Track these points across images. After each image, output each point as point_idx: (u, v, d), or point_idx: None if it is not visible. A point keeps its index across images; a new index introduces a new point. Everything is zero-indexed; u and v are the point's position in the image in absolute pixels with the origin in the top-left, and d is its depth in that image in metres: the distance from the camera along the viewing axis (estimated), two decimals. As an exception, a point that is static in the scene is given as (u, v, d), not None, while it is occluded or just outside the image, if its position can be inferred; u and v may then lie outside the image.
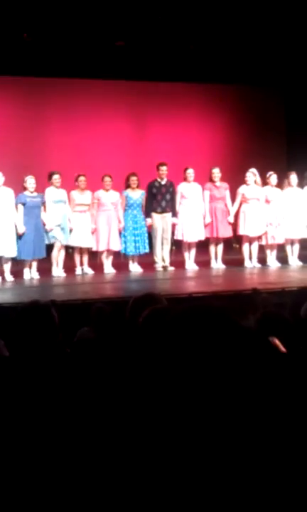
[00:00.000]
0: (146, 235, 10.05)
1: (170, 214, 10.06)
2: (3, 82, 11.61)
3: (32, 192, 9.40)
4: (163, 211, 10.01)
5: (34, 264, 9.48)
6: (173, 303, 5.16)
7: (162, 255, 10.08)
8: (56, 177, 9.61)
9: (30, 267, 9.43)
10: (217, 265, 10.25)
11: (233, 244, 11.04)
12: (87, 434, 2.09)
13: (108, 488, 1.93)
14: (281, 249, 10.53)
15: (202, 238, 10.18)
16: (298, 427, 2.02)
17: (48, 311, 2.85)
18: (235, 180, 10.30)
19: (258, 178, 10.22)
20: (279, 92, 13.99)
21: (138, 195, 10.02)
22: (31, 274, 9.43)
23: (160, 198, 10.00)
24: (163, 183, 10.04)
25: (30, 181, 9.37)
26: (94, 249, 9.92)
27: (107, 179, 9.88)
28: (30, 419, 2.18)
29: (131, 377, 2.34)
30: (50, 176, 9.62)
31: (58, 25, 11.03)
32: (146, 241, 10.02)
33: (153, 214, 10.01)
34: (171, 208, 10.05)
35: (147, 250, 10.02)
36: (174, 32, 11.88)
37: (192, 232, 10.08)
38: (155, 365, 2.43)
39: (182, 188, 10.10)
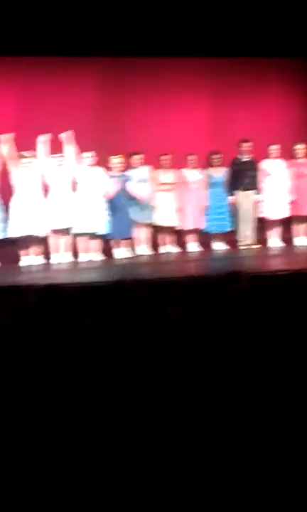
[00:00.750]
0: (229, 213, 10.04)
1: (253, 191, 10.02)
2: (83, 63, 11.71)
3: (117, 172, 9.55)
4: (246, 189, 9.99)
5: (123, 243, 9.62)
6: (257, 281, 5.19)
7: (246, 233, 10.07)
8: (136, 157, 9.72)
9: (119, 247, 9.59)
10: (301, 242, 10.16)
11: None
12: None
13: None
14: None
15: (287, 215, 10.10)
16: None
17: (135, 290, 2.94)
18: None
19: None
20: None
21: (220, 173, 10.02)
22: (122, 253, 9.58)
23: (242, 176, 9.98)
24: (245, 160, 10.02)
25: (115, 161, 9.53)
26: (180, 227, 9.99)
27: (191, 157, 9.93)
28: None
29: (218, 352, 2.41)
30: (130, 156, 9.74)
31: (137, 5, 11.05)
32: (229, 219, 10.02)
33: (236, 192, 10.00)
34: (254, 185, 10.02)
35: (230, 228, 10.03)
36: (250, 7, 11.69)
37: (277, 209, 10.03)
38: (243, 339, 2.49)
39: (265, 165, 10.04)
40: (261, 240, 10.16)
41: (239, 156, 10.04)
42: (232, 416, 2.04)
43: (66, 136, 9.43)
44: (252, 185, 10.00)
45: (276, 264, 8.50)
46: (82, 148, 9.56)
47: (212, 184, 10.01)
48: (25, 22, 10.35)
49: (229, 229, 10.03)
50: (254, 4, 11.59)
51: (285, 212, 10.06)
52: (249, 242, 10.03)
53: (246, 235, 10.04)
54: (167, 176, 9.91)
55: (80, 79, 11.63)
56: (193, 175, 9.98)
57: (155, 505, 1.87)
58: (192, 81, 12.57)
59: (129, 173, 9.71)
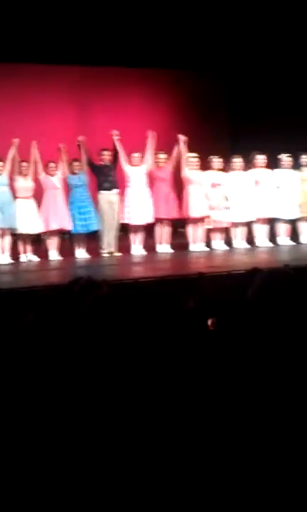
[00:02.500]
0: (94, 213, 9.99)
1: (114, 192, 10.03)
2: None
3: None
4: (106, 189, 9.98)
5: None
6: (119, 289, 5.12)
7: (108, 240, 10.04)
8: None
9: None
10: (164, 249, 10.26)
11: (178, 228, 11.08)
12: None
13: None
14: (226, 233, 10.61)
15: (150, 221, 10.17)
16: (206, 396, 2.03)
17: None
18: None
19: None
20: (220, 77, 14.03)
21: (81, 178, 9.97)
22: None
23: (103, 180, 9.98)
24: (105, 164, 10.05)
25: None
26: (43, 230, 9.82)
27: (51, 164, 9.83)
28: None
29: (72, 363, 2.32)
30: None
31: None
32: (95, 219, 9.97)
33: (100, 194, 9.98)
34: (115, 187, 10.04)
35: (96, 228, 9.97)
36: (116, 15, 11.80)
37: (139, 215, 10.07)
38: (99, 348, 2.42)
39: (128, 172, 10.07)
40: (124, 247, 10.17)
41: (99, 162, 10.05)
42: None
43: None
44: (111, 185, 9.98)
45: (138, 272, 8.51)
46: None
47: (73, 186, 9.91)
48: None
49: (95, 228, 9.95)
50: (117, 14, 11.68)
51: (148, 218, 10.11)
52: (111, 249, 10.02)
53: (109, 243, 10.02)
54: (27, 182, 9.73)
55: None
56: (55, 180, 9.86)
57: (155, 505, 1.79)
58: (54, 88, 12.51)
59: None
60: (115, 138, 10.02)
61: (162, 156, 10.22)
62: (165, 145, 10.46)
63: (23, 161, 9.72)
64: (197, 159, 10.28)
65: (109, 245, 10.03)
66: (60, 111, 12.78)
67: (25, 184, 9.70)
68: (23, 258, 9.69)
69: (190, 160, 10.26)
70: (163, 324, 2.38)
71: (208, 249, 10.34)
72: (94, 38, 12.20)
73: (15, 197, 9.64)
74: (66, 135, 10.62)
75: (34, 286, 6.73)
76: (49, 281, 7.62)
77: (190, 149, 10.35)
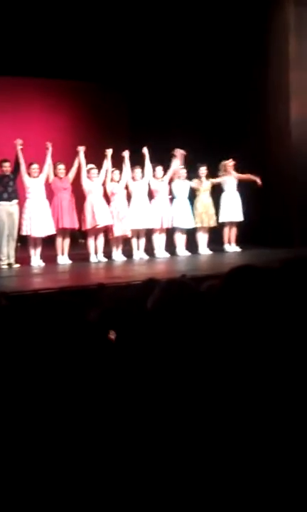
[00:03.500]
0: None
1: (13, 202, 9.93)
2: None
3: None
4: (5, 200, 9.87)
5: None
6: (18, 300, 5.09)
7: (8, 251, 9.93)
8: None
9: None
10: (64, 260, 10.25)
11: (79, 239, 11.09)
12: None
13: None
14: (126, 243, 10.71)
15: (51, 233, 10.13)
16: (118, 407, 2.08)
17: None
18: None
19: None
20: (123, 90, 14.16)
21: None
22: None
23: (2, 190, 9.88)
24: (5, 174, 9.94)
25: None
26: None
27: None
28: None
29: None
30: None
31: None
32: None
33: (1, 204, 9.88)
34: (14, 197, 9.95)
35: None
36: (19, 24, 11.71)
37: (40, 227, 10.01)
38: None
39: (27, 183, 10.00)
40: (23, 258, 10.09)
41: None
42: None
43: None
44: (10, 196, 9.88)
45: (38, 283, 8.47)
46: None
47: None
48: None
49: None
50: (20, 23, 11.59)
51: (49, 230, 10.07)
52: (10, 261, 9.91)
53: (8, 254, 9.91)
54: None
55: None
56: None
57: (155, 505, 1.76)
58: None
59: None
60: (19, 148, 9.93)
61: (61, 166, 10.22)
62: (66, 156, 10.47)
63: None
64: (96, 170, 10.34)
65: (7, 256, 9.91)
66: None
67: None
68: None
69: (90, 171, 10.31)
70: (64, 336, 2.40)
71: (108, 259, 10.40)
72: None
73: None
74: None
75: None
76: None
77: (91, 160, 10.40)
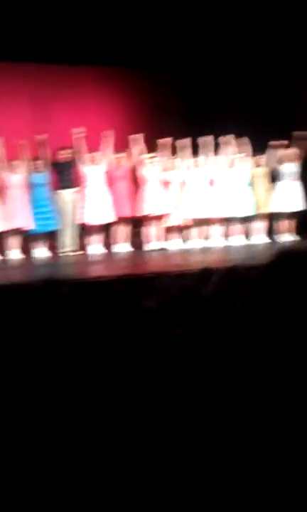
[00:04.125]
0: (53, 213, 10.01)
1: (72, 190, 10.09)
2: None
3: None
4: (65, 187, 10.02)
5: None
6: (77, 288, 5.18)
7: (67, 239, 10.08)
8: None
9: None
10: (122, 248, 10.34)
11: (136, 227, 11.17)
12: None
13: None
14: (183, 232, 10.73)
15: (110, 221, 10.23)
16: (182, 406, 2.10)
17: None
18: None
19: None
20: (178, 78, 14.12)
21: (43, 176, 9.98)
22: None
23: (61, 177, 10.01)
24: (64, 162, 10.08)
25: None
26: (4, 229, 9.82)
27: (14, 163, 9.80)
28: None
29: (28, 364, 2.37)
30: None
31: None
32: (54, 219, 9.99)
33: (59, 193, 10.01)
34: (71, 184, 10.10)
35: (55, 227, 9.99)
36: (73, 12, 11.79)
37: (98, 215, 10.12)
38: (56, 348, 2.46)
39: (86, 171, 10.11)
40: (82, 246, 10.21)
41: (58, 161, 10.08)
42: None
43: None
44: (70, 184, 10.02)
45: (97, 271, 8.57)
46: None
47: (35, 185, 9.91)
48: None
49: (54, 228, 9.97)
50: (74, 11, 11.68)
51: (107, 218, 10.16)
52: (69, 248, 10.05)
53: (67, 242, 10.06)
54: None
55: None
56: (17, 179, 9.84)
57: (155, 505, 1.82)
58: (12, 86, 12.44)
59: None
60: (78, 136, 10.04)
61: (119, 155, 10.29)
62: (123, 144, 10.53)
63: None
64: (153, 158, 10.38)
65: (67, 244, 10.06)
66: (15, 109, 12.72)
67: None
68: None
69: (147, 159, 10.36)
70: (121, 324, 2.44)
71: (165, 248, 10.44)
72: (50, 35, 12.16)
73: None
74: (22, 133, 10.59)
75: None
76: (10, 279, 7.64)
77: (148, 149, 10.45)
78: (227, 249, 10.51)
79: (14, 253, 9.80)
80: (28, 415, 2.11)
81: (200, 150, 10.73)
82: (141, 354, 2.31)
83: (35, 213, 9.87)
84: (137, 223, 10.87)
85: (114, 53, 12.83)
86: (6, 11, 11.41)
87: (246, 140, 10.84)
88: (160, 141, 10.40)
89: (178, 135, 10.71)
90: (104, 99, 13.64)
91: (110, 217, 10.17)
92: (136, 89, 13.76)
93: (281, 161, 11.01)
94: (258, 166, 10.93)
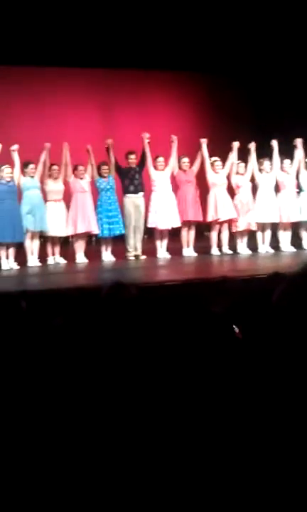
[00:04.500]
0: (120, 218, 10.08)
1: (140, 195, 10.12)
2: None
3: (8, 181, 9.35)
4: (133, 192, 10.06)
5: (11, 254, 9.41)
6: (144, 292, 5.20)
7: (134, 243, 10.13)
8: (31, 167, 9.57)
9: (7, 257, 9.37)
10: (189, 253, 10.33)
11: (204, 232, 11.14)
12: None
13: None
14: (251, 237, 10.65)
15: (176, 225, 10.24)
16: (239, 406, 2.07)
17: (16, 302, 2.86)
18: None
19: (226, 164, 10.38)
20: (245, 82, 14.06)
21: (110, 181, 10.04)
22: (9, 264, 9.36)
23: (129, 182, 10.06)
24: (131, 167, 10.13)
25: (7, 170, 9.34)
26: (70, 233, 9.91)
27: (80, 168, 9.90)
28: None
29: (99, 363, 2.38)
30: (25, 166, 9.57)
31: (24, 12, 10.97)
32: (121, 223, 10.05)
33: (126, 198, 10.07)
34: (140, 190, 10.14)
35: (122, 232, 10.05)
36: (141, 18, 11.88)
37: (166, 219, 10.13)
38: (122, 350, 2.48)
39: (153, 176, 10.14)
40: (150, 250, 10.25)
41: (125, 166, 10.13)
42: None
43: None
44: (136, 189, 10.07)
45: (163, 275, 8.58)
46: None
47: (101, 190, 9.99)
48: None
49: (121, 231, 10.04)
50: (142, 17, 11.76)
51: (173, 222, 10.17)
52: (137, 252, 10.10)
53: (135, 246, 10.11)
54: (57, 185, 9.81)
55: None
56: (84, 183, 9.94)
57: (155, 505, 1.84)
58: (80, 91, 12.62)
59: (23, 181, 9.52)
60: (146, 141, 10.08)
61: (186, 159, 10.29)
62: (190, 148, 10.53)
63: (53, 164, 9.80)
64: (221, 163, 10.34)
65: (134, 248, 10.11)
66: (84, 114, 12.89)
67: (55, 187, 9.79)
68: (50, 260, 9.78)
69: (215, 164, 10.32)
70: (190, 327, 2.43)
71: (232, 252, 10.39)
72: (117, 41, 12.28)
73: (45, 200, 9.74)
74: (90, 138, 10.71)
75: (61, 289, 6.82)
76: (76, 283, 7.73)
77: (215, 153, 10.41)
78: (296, 254, 10.38)
79: (80, 257, 9.90)
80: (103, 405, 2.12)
81: (268, 154, 10.63)
82: (207, 356, 2.30)
83: (102, 218, 9.94)
84: (205, 228, 10.83)
85: (180, 58, 12.87)
86: (76, 19, 11.57)
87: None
88: (231, 144, 10.35)
89: (245, 139, 10.64)
90: (170, 104, 13.70)
91: (176, 222, 10.17)
92: (202, 94, 13.76)
93: None
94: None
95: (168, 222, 10.13)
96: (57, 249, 9.87)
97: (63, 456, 2.01)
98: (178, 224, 10.20)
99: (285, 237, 10.72)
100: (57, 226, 9.73)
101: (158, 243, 10.26)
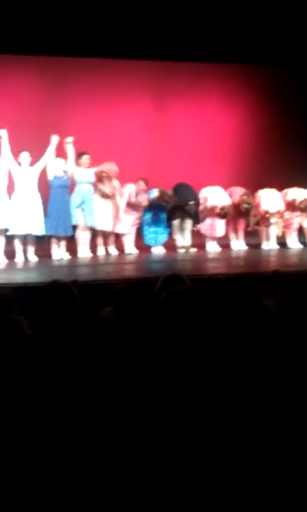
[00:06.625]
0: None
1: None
2: (24, 62, 11.59)
3: (61, 175, 9.42)
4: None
5: (63, 244, 9.48)
6: (196, 284, 5.19)
7: (184, 236, 10.12)
8: (86, 157, 9.62)
9: (59, 247, 9.45)
10: (239, 246, 10.28)
11: (253, 226, 11.06)
12: (106, 414, 2.12)
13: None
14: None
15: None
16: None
17: (69, 291, 2.87)
18: (256, 162, 10.30)
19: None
20: (301, 73, 13.86)
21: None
22: (60, 253, 9.42)
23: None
24: None
25: (60, 164, 9.39)
26: (117, 231, 9.96)
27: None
28: (50, 398, 2.22)
29: (149, 357, 2.37)
30: (79, 156, 9.63)
31: (79, 4, 11.01)
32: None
33: None
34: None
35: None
36: (196, 11, 11.81)
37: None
38: (174, 343, 2.47)
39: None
40: (199, 243, 10.23)
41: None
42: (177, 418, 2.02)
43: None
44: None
45: (213, 268, 8.55)
46: (19, 147, 9.36)
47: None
48: None
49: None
50: (199, 10, 11.69)
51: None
52: (186, 244, 10.08)
53: (184, 239, 10.10)
54: (105, 186, 9.77)
55: (21, 78, 11.52)
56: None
57: (155, 505, 1.85)
58: (133, 83, 12.61)
59: (78, 173, 9.58)
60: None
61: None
62: (244, 141, 10.46)
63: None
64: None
65: (184, 241, 10.09)
66: (137, 106, 12.88)
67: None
68: (100, 251, 9.82)
69: None
70: (241, 321, 2.42)
71: (282, 247, 10.31)
72: (172, 33, 12.23)
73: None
74: (143, 130, 10.71)
75: (112, 279, 6.86)
76: (125, 274, 7.76)
77: (274, 147, 10.27)
78: None
79: (129, 248, 9.93)
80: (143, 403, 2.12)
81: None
82: (260, 350, 2.28)
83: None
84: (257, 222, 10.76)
85: (236, 50, 12.75)
86: (129, 12, 11.56)
87: None
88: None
89: (301, 134, 10.51)
90: (224, 96, 13.57)
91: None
92: (258, 86, 13.59)
93: None
94: None
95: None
96: (108, 241, 9.89)
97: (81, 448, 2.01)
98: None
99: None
100: (106, 221, 9.74)
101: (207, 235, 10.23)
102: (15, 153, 9.17)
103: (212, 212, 9.96)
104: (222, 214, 9.89)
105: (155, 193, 9.83)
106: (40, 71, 11.70)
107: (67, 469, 1.96)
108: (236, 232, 10.36)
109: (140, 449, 1.96)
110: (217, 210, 9.87)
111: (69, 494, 1.97)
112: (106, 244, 9.87)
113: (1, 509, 1.93)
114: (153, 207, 9.95)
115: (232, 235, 10.36)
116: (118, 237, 10.04)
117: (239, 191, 10.10)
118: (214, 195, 10.03)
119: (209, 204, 9.96)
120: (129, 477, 1.90)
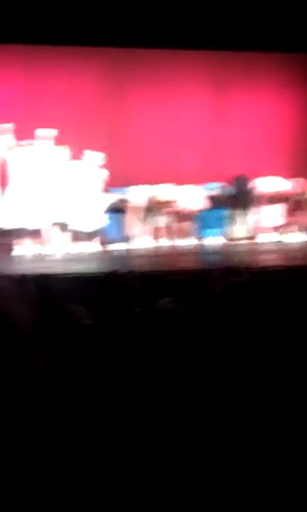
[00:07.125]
0: None
1: None
2: (84, 53, 11.64)
3: None
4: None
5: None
6: (252, 276, 5.16)
7: (241, 227, 10.09)
8: None
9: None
10: (296, 238, 10.21)
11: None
12: (163, 405, 2.13)
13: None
14: None
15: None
16: None
17: (128, 281, 2.89)
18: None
19: None
20: None
21: None
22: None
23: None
24: None
25: None
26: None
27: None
28: (108, 388, 2.23)
29: (209, 349, 2.37)
30: None
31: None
32: None
33: None
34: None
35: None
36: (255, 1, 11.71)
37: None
38: (233, 336, 2.46)
39: None
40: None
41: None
42: (234, 415, 2.02)
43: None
44: None
45: (270, 260, 8.49)
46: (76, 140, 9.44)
47: None
48: (27, 10, 10.30)
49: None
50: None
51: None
52: (242, 235, 10.03)
53: (240, 229, 10.06)
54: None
55: (82, 69, 11.58)
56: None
57: (155, 505, 1.86)
58: (193, 73, 12.56)
59: None
60: None
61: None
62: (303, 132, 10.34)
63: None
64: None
65: (239, 232, 10.05)
66: (197, 97, 12.82)
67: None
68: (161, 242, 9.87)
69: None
70: (301, 313, 2.40)
71: None
72: (230, 23, 12.13)
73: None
74: (201, 121, 10.65)
75: (167, 270, 6.87)
76: (181, 266, 7.77)
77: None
78: None
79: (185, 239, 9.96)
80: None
81: None
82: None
83: None
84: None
85: (297, 39, 12.57)
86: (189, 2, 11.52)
87: None
88: None
89: None
90: (286, 87, 13.40)
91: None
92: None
93: None
94: None
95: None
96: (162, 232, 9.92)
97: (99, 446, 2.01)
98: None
99: None
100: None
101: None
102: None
103: (265, 199, 9.92)
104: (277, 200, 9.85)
105: (214, 189, 9.88)
106: (99, 63, 11.75)
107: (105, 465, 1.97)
108: (295, 223, 10.28)
109: (192, 443, 1.96)
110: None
111: (70, 493, 1.97)
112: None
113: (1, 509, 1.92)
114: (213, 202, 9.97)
115: (290, 226, 10.28)
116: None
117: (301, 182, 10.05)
118: (268, 184, 9.99)
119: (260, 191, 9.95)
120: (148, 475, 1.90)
